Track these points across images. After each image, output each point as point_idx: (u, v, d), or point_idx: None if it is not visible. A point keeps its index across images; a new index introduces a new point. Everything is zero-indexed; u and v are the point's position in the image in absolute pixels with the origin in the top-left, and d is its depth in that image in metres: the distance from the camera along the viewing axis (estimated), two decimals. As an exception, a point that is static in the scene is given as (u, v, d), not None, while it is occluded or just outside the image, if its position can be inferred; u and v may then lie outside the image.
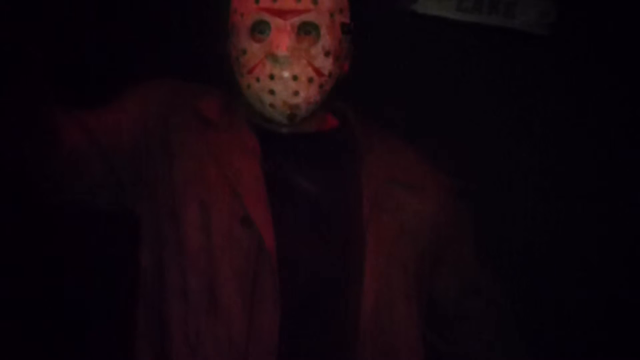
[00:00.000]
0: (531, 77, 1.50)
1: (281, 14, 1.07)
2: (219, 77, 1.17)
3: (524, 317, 1.22)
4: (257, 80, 1.09)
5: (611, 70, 1.46)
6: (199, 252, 1.06)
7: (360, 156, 1.14)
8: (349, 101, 1.19)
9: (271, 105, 1.09)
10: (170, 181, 1.10)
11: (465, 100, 1.51)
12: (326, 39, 1.09)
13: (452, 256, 1.18)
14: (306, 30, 1.08)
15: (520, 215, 1.48)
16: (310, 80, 1.08)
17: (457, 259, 1.19)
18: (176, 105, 1.14)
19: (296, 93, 1.08)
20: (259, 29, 1.09)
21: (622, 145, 1.46)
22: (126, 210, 1.13)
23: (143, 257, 1.11)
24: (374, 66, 1.42)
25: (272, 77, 1.08)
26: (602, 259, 1.46)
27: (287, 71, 1.07)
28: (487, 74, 1.50)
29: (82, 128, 1.08)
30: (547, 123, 1.50)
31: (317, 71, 1.09)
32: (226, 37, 1.15)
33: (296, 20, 1.07)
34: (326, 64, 1.09)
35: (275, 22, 1.07)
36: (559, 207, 1.47)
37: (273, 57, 1.07)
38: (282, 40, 1.06)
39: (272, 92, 1.08)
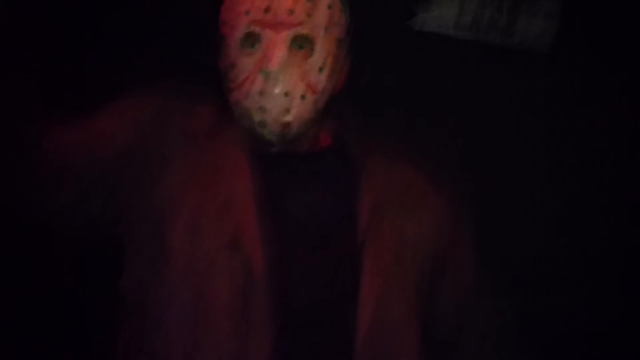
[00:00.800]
0: (530, 95, 1.46)
1: (273, 26, 1.02)
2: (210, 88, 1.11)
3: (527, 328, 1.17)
4: (246, 96, 1.04)
5: (612, 90, 1.42)
6: (184, 277, 1.01)
7: (355, 176, 1.09)
8: (343, 118, 1.14)
9: (261, 123, 1.04)
10: (153, 203, 1.04)
11: (463, 118, 1.46)
12: (320, 54, 1.04)
13: (450, 284, 1.13)
14: (299, 44, 1.03)
15: (519, 234, 1.43)
16: (302, 97, 1.03)
17: (454, 287, 1.14)
18: (161, 122, 1.08)
19: (287, 110, 1.03)
20: (249, 42, 1.04)
21: (623, 165, 1.42)
22: (103, 234, 1.07)
23: (122, 287, 1.05)
24: (368, 83, 1.38)
25: (262, 93, 1.02)
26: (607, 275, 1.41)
27: (279, 87, 1.02)
28: (485, 92, 1.46)
29: (60, 142, 1.02)
30: (546, 142, 1.45)
31: (311, 87, 1.04)
32: (215, 49, 1.09)
33: (289, 33, 1.02)
34: (320, 80, 1.04)
35: (266, 34, 1.03)
36: (559, 225, 1.43)
37: (264, 72, 1.02)
38: (274, 54, 1.01)
39: (262, 109, 1.03)
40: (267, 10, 1.02)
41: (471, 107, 1.47)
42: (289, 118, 1.03)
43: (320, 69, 1.04)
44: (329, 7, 1.05)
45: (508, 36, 1.45)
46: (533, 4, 1.44)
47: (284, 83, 1.02)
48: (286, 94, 1.02)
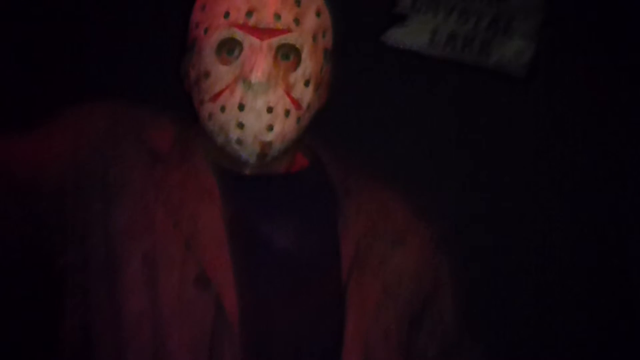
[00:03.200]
0: (505, 119, 1.40)
1: (257, 32, 0.90)
2: (176, 100, 0.99)
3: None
4: (222, 109, 0.91)
5: (591, 117, 1.38)
6: (141, 319, 0.87)
7: (336, 202, 0.98)
8: (316, 137, 1.04)
9: (238, 141, 0.91)
10: (105, 229, 0.90)
11: (435, 139, 1.40)
12: (307, 65, 0.92)
13: (432, 317, 1.04)
14: (285, 53, 0.92)
15: (498, 264, 1.36)
16: (287, 113, 0.92)
17: (437, 321, 1.04)
18: (117, 136, 0.94)
19: (270, 128, 0.91)
20: (227, 48, 0.92)
21: (603, 195, 1.38)
22: (43, 264, 0.92)
23: (64, 327, 0.91)
24: (341, 100, 1.29)
25: (241, 107, 0.90)
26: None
27: (262, 101, 0.90)
28: (460, 114, 1.40)
29: None
30: (520, 167, 1.40)
31: (295, 102, 0.92)
32: (183, 54, 0.97)
33: (274, 41, 0.91)
34: (305, 95, 0.93)
35: (249, 41, 0.90)
36: (544, 254, 1.37)
37: (245, 84, 0.90)
38: (258, 64, 0.89)
39: (240, 125, 0.91)
40: (249, 13, 0.90)
41: (444, 129, 1.41)
42: (271, 136, 0.91)
43: (307, 83, 0.93)
44: (318, 14, 0.94)
45: (484, 56, 1.39)
46: (509, 23, 1.38)
47: (267, 96, 0.90)
48: (269, 109, 0.91)
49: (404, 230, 1.01)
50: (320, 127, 1.01)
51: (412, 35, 1.38)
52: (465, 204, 1.38)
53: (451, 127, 1.39)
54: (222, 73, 0.91)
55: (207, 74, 0.92)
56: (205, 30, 0.92)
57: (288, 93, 0.91)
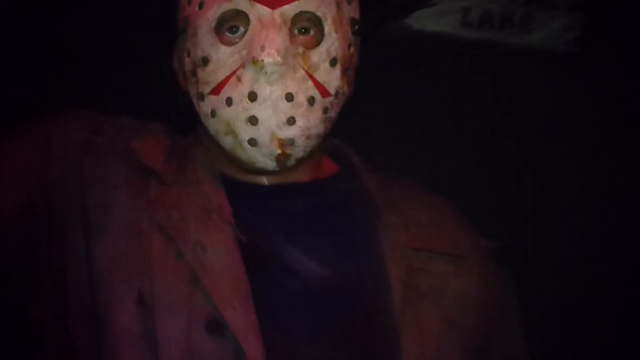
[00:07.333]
0: (555, 103, 1.23)
1: (266, 0, 0.71)
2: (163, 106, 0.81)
3: None
4: (228, 102, 0.72)
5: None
6: None
7: (378, 215, 0.80)
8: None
9: (251, 141, 0.73)
10: (88, 266, 0.73)
11: (475, 135, 1.22)
12: (332, 40, 0.73)
13: (501, 347, 0.87)
14: (304, 26, 0.73)
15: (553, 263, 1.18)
16: (310, 101, 0.73)
17: (506, 351, 0.88)
18: (97, 148, 0.77)
19: (291, 121, 0.72)
20: (230, 25, 0.73)
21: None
22: (9, 316, 0.74)
23: None
24: (360, 94, 1.12)
25: (252, 96, 0.71)
26: None
27: (278, 87, 0.71)
28: (500, 102, 1.22)
29: None
30: (575, 157, 1.22)
31: (321, 87, 0.73)
32: (171, 41, 0.78)
33: (288, 9, 0.72)
34: (332, 77, 0.74)
35: (257, 11, 0.71)
36: (600, 251, 1.19)
37: (256, 66, 0.70)
38: (270, 39, 0.70)
39: (252, 120, 0.72)
40: None
41: (484, 125, 1.24)
42: (293, 132, 0.72)
43: (333, 62, 0.73)
44: None
45: (525, 34, 1.22)
46: (553, -6, 1.21)
47: (285, 81, 0.71)
48: (288, 97, 0.71)
49: (461, 245, 0.84)
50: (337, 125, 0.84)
51: (441, 16, 1.21)
52: (515, 207, 1.21)
53: (491, 119, 1.22)
54: (224, 56, 0.72)
55: (205, 60, 0.73)
56: (201, 5, 0.73)
57: (311, 75, 0.72)
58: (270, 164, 0.74)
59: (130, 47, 1.08)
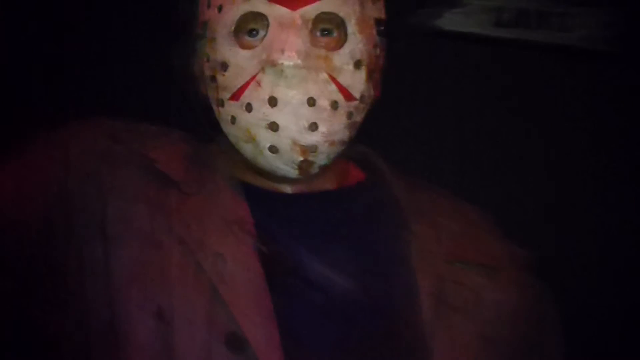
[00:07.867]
0: (597, 105, 1.15)
1: (286, 1, 0.69)
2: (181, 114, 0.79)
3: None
4: (248, 108, 0.70)
5: None
6: None
7: (407, 225, 0.77)
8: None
9: (272, 148, 0.70)
10: (105, 277, 0.71)
11: (513, 141, 1.16)
12: (356, 41, 0.70)
13: None
14: (326, 27, 0.70)
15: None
16: (334, 105, 0.70)
17: None
18: (116, 157, 0.75)
19: (313, 126, 0.69)
20: (250, 28, 0.71)
21: None
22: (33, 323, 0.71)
23: None
24: (387, 98, 1.08)
25: (273, 101, 0.69)
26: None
27: (299, 91, 0.68)
28: (538, 106, 1.16)
29: None
30: (620, 162, 1.15)
31: (344, 91, 0.70)
32: (190, 47, 0.75)
33: (310, 10, 0.69)
34: (357, 81, 0.71)
35: (276, 13, 0.69)
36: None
37: (276, 69, 0.68)
38: (290, 42, 0.67)
39: (273, 126, 0.69)
40: None
41: (521, 129, 1.18)
42: (315, 138, 0.69)
43: (358, 64, 0.70)
44: None
45: (564, 32, 1.17)
46: (590, -10, 1.16)
47: (306, 84, 0.68)
48: (310, 102, 0.68)
49: (497, 255, 0.80)
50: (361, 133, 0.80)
51: (473, 16, 1.17)
52: (555, 216, 1.15)
53: (529, 123, 1.15)
54: (244, 61, 0.69)
55: (224, 65, 0.70)
56: (220, 8, 0.71)
57: (334, 79, 0.69)
58: (292, 172, 0.71)
59: (147, 54, 1.07)
